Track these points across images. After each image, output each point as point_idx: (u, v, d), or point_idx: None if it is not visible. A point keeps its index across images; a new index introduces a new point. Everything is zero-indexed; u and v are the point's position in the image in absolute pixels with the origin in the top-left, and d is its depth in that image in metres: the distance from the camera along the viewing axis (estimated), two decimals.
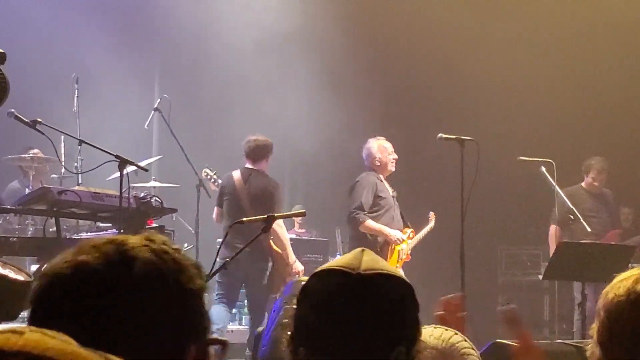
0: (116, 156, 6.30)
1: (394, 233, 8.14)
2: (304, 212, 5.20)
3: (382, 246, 8.14)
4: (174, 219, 9.88)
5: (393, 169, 8.33)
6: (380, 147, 8.32)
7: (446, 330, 2.49)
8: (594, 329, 2.10)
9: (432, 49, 11.51)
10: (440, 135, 7.43)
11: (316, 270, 1.91)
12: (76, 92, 8.93)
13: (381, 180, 8.26)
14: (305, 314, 1.86)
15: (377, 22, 11.94)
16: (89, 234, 7.57)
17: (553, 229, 9.05)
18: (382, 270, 1.87)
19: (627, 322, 2.00)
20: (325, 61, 11.39)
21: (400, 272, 1.97)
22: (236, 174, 8.36)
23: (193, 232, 8.94)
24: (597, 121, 10.99)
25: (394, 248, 8.17)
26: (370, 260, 1.88)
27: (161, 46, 12.13)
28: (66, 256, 1.41)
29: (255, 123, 11.85)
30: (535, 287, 10.88)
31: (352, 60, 11.36)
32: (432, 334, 2.45)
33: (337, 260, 1.92)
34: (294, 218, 10.81)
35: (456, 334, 2.46)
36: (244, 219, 5.05)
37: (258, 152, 8.35)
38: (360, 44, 11.55)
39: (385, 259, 8.11)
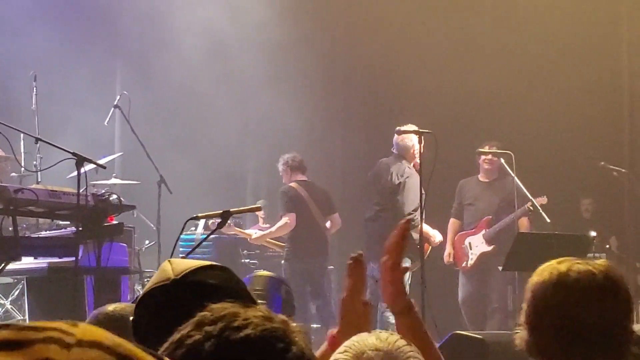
0: (73, 154, 6.27)
1: (436, 235, 8.44)
2: (260, 206, 5.21)
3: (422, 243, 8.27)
4: (135, 215, 9.87)
5: (418, 161, 8.25)
6: (409, 136, 8.08)
7: (392, 334, 2.52)
8: (522, 314, 2.13)
9: (390, 43, 11.55)
10: (398, 128, 7.48)
11: (136, 302, 1.99)
12: (34, 90, 8.89)
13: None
14: (144, 343, 1.87)
15: (333, 19, 11.98)
16: (49, 232, 7.58)
17: (450, 222, 9.28)
18: (192, 266, 1.95)
19: (552, 301, 2.04)
20: (284, 61, 11.43)
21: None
22: (299, 188, 9.01)
23: (154, 228, 8.94)
24: (555, 113, 11.07)
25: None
26: (178, 265, 1.96)
27: (122, 42, 12.09)
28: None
29: (217, 120, 11.92)
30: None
31: (311, 58, 11.40)
32: (378, 337, 2.47)
33: (150, 282, 1.99)
34: (257, 214, 10.85)
35: (401, 338, 2.48)
36: (199, 214, 5.05)
37: (304, 165, 9.28)
38: (318, 41, 11.60)
39: None
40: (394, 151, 8.28)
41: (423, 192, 7.94)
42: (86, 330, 0.98)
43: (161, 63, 11.68)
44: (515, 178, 8.49)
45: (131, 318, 1.97)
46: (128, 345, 1.00)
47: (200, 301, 1.79)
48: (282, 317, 1.50)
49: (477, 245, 9.19)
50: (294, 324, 1.71)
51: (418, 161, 8.04)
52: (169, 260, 1.99)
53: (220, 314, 1.45)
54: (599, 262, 2.15)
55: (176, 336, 1.45)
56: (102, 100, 10.47)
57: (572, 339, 2.05)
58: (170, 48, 11.52)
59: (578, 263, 2.12)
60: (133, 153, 9.39)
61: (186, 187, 10.83)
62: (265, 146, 11.61)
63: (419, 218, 7.93)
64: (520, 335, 2.13)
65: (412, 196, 8.00)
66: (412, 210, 8.01)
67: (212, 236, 9.87)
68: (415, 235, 8.05)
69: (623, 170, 10.32)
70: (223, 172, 11.92)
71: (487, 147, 9.24)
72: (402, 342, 2.34)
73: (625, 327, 2.11)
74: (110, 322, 3.17)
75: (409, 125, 7.79)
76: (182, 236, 9.10)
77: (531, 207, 8.66)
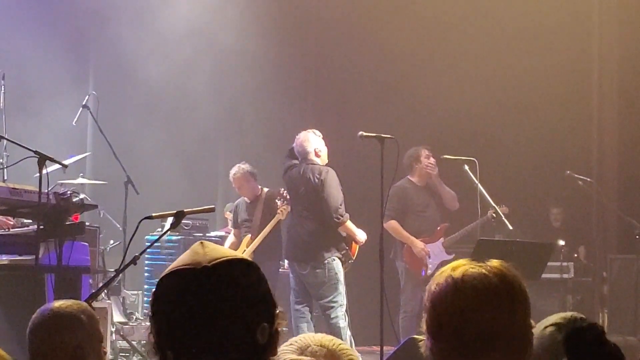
0: (35, 152, 6.26)
1: (360, 234, 8.23)
2: (213, 207, 5.23)
3: (349, 243, 8.26)
4: (101, 215, 9.90)
5: (327, 160, 8.39)
6: (316, 139, 8.33)
7: (335, 339, 2.58)
8: (423, 322, 2.16)
9: (355, 47, 11.60)
10: (360, 133, 7.51)
11: (162, 275, 1.96)
12: (2, 89, 8.89)
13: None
14: (162, 319, 1.91)
15: (301, 20, 12.01)
16: (15, 229, 7.57)
17: (394, 223, 9.09)
18: (225, 257, 1.94)
19: (450, 308, 2.07)
20: (252, 61, 11.47)
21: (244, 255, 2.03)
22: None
23: (120, 229, 8.96)
24: (519, 120, 11.14)
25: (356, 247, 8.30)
26: (211, 251, 1.94)
27: (94, 42, 12.10)
28: None
29: (190, 121, 11.96)
30: None
31: (269, 54, 11.44)
32: (324, 337, 2.52)
33: (179, 260, 1.96)
34: (226, 217, 10.88)
35: (343, 343, 2.54)
36: (153, 214, 5.07)
37: None
38: (278, 37, 11.62)
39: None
40: (300, 157, 8.31)
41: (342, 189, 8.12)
42: None
43: (135, 62, 11.68)
44: (479, 185, 8.52)
45: (153, 290, 1.96)
46: None
47: (226, 296, 1.88)
48: None
49: (437, 253, 9.16)
50: None
51: (326, 160, 8.26)
52: (202, 243, 1.98)
53: None
54: (493, 264, 2.17)
55: None
56: (76, 100, 10.47)
57: (473, 344, 2.07)
58: (145, 48, 11.53)
59: (472, 267, 2.14)
60: (106, 153, 9.40)
61: (160, 186, 10.87)
62: (237, 150, 11.64)
63: (346, 216, 8.07)
64: (425, 343, 2.17)
65: (335, 191, 8.06)
66: (339, 205, 8.06)
67: (179, 237, 10.03)
68: (344, 233, 8.19)
69: (588, 179, 10.40)
70: (195, 173, 11.97)
71: (425, 151, 9.29)
72: (346, 346, 2.40)
73: (525, 326, 2.15)
74: (56, 319, 3.20)
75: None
76: (147, 237, 9.19)
77: (494, 215, 8.70)
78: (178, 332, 1.88)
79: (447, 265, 2.19)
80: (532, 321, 2.20)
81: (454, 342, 2.06)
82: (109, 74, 11.92)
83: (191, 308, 1.87)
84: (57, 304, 3.28)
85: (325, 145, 8.35)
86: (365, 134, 7.47)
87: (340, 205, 8.08)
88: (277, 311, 1.97)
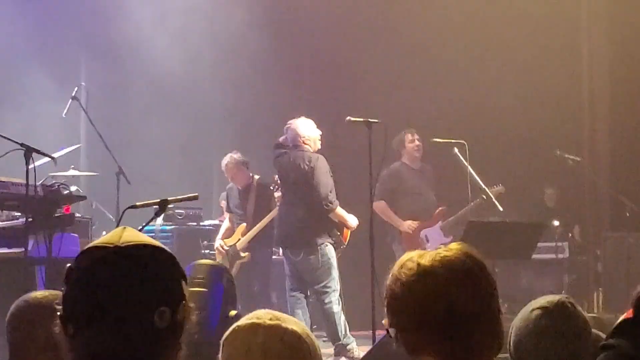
0: (21, 144, 6.27)
1: (351, 219, 8.25)
2: (197, 195, 5.24)
3: (341, 229, 8.28)
4: (93, 206, 9.92)
5: (319, 147, 8.40)
6: (306, 126, 8.36)
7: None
8: (388, 316, 2.14)
9: (341, 30, 11.59)
10: (348, 118, 7.52)
11: (81, 251, 2.00)
12: None
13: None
14: (70, 291, 1.95)
15: (294, 9, 12.00)
16: (6, 223, 7.60)
17: (383, 204, 9.14)
18: (140, 241, 1.97)
19: (433, 294, 2.05)
20: (246, 49, 11.47)
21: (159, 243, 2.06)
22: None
23: (113, 220, 8.98)
24: (509, 100, 11.11)
25: (348, 233, 8.32)
26: (130, 235, 1.98)
27: (87, 32, 12.09)
28: None
29: (180, 111, 11.98)
30: None
31: (260, 43, 11.43)
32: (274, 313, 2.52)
33: (99, 239, 2.00)
34: (221, 205, 10.91)
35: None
36: (138, 203, 5.09)
37: None
38: (269, 26, 11.62)
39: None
40: (291, 142, 8.35)
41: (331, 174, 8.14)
42: None
43: (128, 54, 11.69)
44: (470, 168, 8.54)
45: (68, 265, 1.99)
46: None
47: (129, 275, 1.91)
48: None
49: (436, 238, 9.17)
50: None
51: (319, 147, 8.29)
52: (125, 228, 2.01)
53: None
54: (455, 247, 2.17)
55: None
56: (68, 92, 10.48)
57: (457, 328, 2.07)
58: (137, 39, 11.53)
59: (438, 253, 2.14)
60: (98, 144, 9.41)
61: (155, 177, 10.88)
62: (231, 138, 11.64)
63: (335, 203, 8.10)
64: (394, 337, 2.16)
65: (324, 178, 8.08)
66: (329, 192, 8.09)
67: (172, 226, 10.06)
68: (335, 218, 8.21)
69: (578, 158, 10.40)
70: (189, 163, 11.98)
71: (409, 135, 9.32)
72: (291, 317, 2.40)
73: (494, 308, 2.15)
74: (29, 309, 3.21)
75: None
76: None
77: (484, 197, 8.71)
78: (79, 305, 1.91)
79: (403, 258, 2.18)
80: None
81: (439, 329, 2.06)
82: (102, 64, 11.90)
83: (95, 283, 1.90)
84: (34, 294, 3.28)
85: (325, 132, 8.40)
86: (352, 118, 7.48)
87: (330, 192, 8.10)
88: (184, 303, 1.98)
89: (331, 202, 8.08)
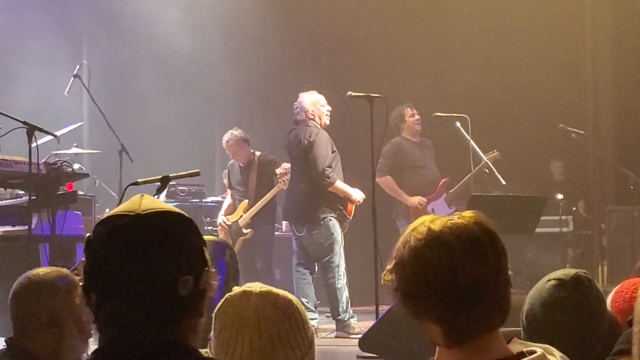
0: (24, 123, 6.27)
1: (355, 194, 8.21)
2: (198, 171, 5.24)
3: (344, 202, 8.26)
4: (96, 184, 9.93)
5: (327, 122, 8.37)
6: (312, 100, 8.35)
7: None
8: (396, 281, 2.11)
9: (343, 5, 11.54)
10: (349, 93, 7.51)
11: (100, 219, 1.98)
12: None
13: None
14: (91, 260, 1.94)
15: None
16: (9, 201, 7.61)
17: (389, 179, 9.11)
18: (160, 208, 1.95)
19: (439, 262, 2.02)
20: (242, 23, 11.44)
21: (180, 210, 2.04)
22: None
23: (116, 197, 8.99)
24: (512, 74, 11.08)
25: (351, 207, 8.27)
26: (149, 202, 1.96)
27: (89, 7, 12.07)
28: None
29: (186, 86, 11.96)
30: None
31: (264, 19, 11.40)
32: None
33: (117, 208, 1.99)
34: (224, 182, 10.92)
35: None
36: (139, 180, 5.08)
37: None
38: (273, 3, 11.59)
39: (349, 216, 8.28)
40: (298, 117, 8.36)
41: (335, 149, 8.11)
42: None
43: (130, 30, 11.67)
44: (472, 141, 8.53)
45: (87, 235, 1.97)
46: None
47: (152, 243, 1.89)
48: None
49: (441, 210, 9.12)
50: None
51: (327, 123, 8.27)
52: (143, 195, 1.98)
53: None
54: (468, 214, 2.14)
55: None
56: (70, 69, 10.47)
57: (463, 297, 2.05)
58: (140, 15, 11.50)
59: (449, 219, 2.11)
60: (101, 122, 9.41)
61: (157, 155, 10.89)
62: (234, 115, 11.64)
63: (334, 175, 8.07)
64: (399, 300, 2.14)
65: (321, 152, 8.08)
66: (327, 167, 8.08)
67: (175, 203, 10.07)
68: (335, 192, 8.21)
69: (582, 132, 10.37)
70: (192, 140, 11.98)
71: (408, 110, 9.29)
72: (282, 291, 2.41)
73: (507, 274, 2.13)
74: (32, 286, 3.22)
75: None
76: None
77: (487, 170, 8.70)
78: (102, 275, 1.90)
79: (417, 221, 2.16)
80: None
81: (443, 296, 2.04)
82: (104, 41, 11.88)
83: (117, 252, 1.89)
84: (36, 271, 3.29)
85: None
86: (354, 94, 7.47)
87: (328, 167, 8.08)
88: (207, 270, 1.97)
89: (328, 177, 8.06)
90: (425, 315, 2.08)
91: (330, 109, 8.34)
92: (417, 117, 9.26)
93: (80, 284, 1.95)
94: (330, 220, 8.15)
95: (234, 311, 2.24)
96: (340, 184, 8.14)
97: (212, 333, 2.28)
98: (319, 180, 8.09)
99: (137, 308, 1.89)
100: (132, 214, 1.92)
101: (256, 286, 2.29)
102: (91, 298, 1.92)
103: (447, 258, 2.04)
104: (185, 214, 2.01)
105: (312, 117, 8.26)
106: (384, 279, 2.17)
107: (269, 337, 2.22)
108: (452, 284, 2.02)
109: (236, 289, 2.29)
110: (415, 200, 9.11)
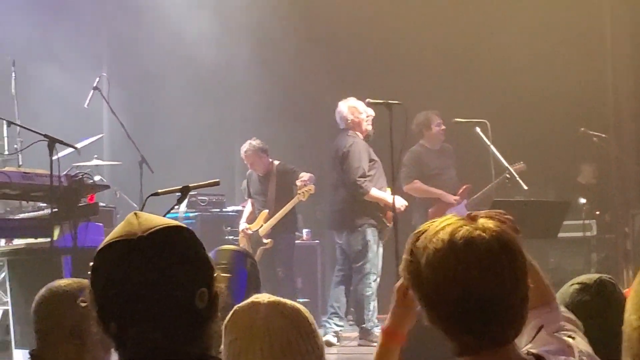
0: (45, 135, 6.31)
1: (396, 201, 8.14)
2: (218, 181, 5.25)
3: (383, 211, 8.27)
4: (117, 196, 9.96)
5: (369, 128, 8.35)
6: (351, 108, 8.37)
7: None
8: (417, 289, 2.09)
9: (359, 9, 11.55)
10: (368, 100, 7.50)
11: (99, 248, 1.96)
12: (13, 75, 8.93)
13: (366, 141, 8.34)
14: (102, 292, 1.93)
15: None
16: (31, 213, 7.65)
17: (418, 183, 9.06)
18: (159, 225, 1.94)
19: (453, 275, 1.99)
20: (261, 33, 11.48)
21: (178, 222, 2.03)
22: None
23: (138, 208, 8.98)
24: (532, 78, 11.02)
25: (390, 214, 8.21)
26: (145, 221, 1.95)
27: (109, 23, 12.13)
28: None
29: (201, 97, 11.99)
30: None
31: (286, 29, 11.43)
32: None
33: (114, 232, 1.97)
34: (242, 190, 10.93)
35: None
36: (159, 190, 5.09)
37: None
38: (295, 14, 11.61)
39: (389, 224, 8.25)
40: (340, 126, 8.44)
41: (376, 158, 8.11)
42: None
43: (151, 41, 11.71)
44: (492, 147, 8.50)
45: (91, 264, 1.97)
46: None
47: (162, 263, 1.90)
48: None
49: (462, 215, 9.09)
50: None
51: (368, 129, 8.29)
52: (136, 213, 1.97)
53: None
54: (488, 226, 2.08)
55: None
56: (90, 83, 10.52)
57: (474, 314, 2.01)
58: (157, 29, 11.55)
59: (468, 229, 2.05)
60: (121, 134, 9.44)
61: (176, 165, 10.91)
62: (253, 123, 11.65)
63: (368, 184, 8.08)
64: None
65: (354, 163, 8.07)
66: (359, 177, 8.06)
67: (195, 213, 10.09)
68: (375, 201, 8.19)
69: (603, 135, 10.31)
70: (212, 149, 12.01)
71: (436, 118, 9.23)
72: (290, 301, 2.41)
73: (525, 289, 2.09)
74: (53, 297, 3.22)
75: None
76: (168, 216, 9.24)
77: (508, 176, 8.66)
78: (119, 303, 1.90)
79: (438, 222, 2.12)
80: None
81: (454, 311, 2.02)
82: (123, 53, 11.93)
83: (129, 278, 1.89)
84: (58, 282, 3.29)
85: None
86: (372, 100, 7.47)
87: (361, 177, 8.11)
88: (215, 274, 1.98)
89: (361, 187, 8.09)
90: (434, 324, 2.07)
91: (371, 114, 8.32)
92: (442, 127, 9.23)
93: (93, 313, 1.95)
94: (368, 227, 8.18)
95: (244, 322, 2.24)
96: (375, 192, 8.14)
97: (222, 345, 2.28)
98: (352, 190, 8.13)
99: (161, 329, 1.89)
100: (135, 237, 1.91)
101: (264, 297, 2.29)
102: (111, 327, 1.92)
103: (462, 272, 2.00)
104: (183, 224, 2.01)
105: (352, 125, 8.30)
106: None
107: (279, 347, 2.23)
108: (463, 298, 1.99)
109: (245, 302, 2.29)
110: (452, 197, 9.05)
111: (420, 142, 9.32)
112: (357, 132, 8.34)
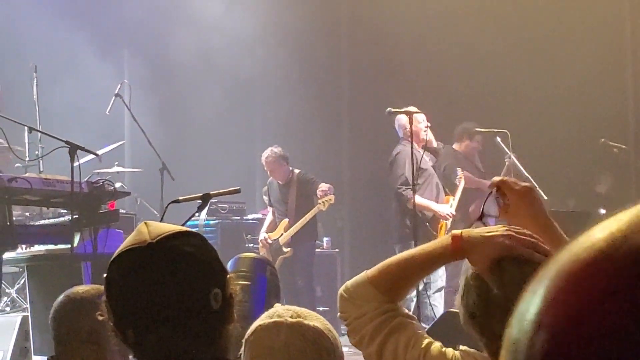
0: (66, 142, 6.33)
1: (441, 208, 8.14)
2: (239, 189, 5.24)
3: (430, 221, 8.20)
4: (138, 203, 9.99)
5: (426, 137, 8.25)
6: (409, 117, 8.30)
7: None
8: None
9: (382, 22, 11.55)
10: (388, 109, 7.49)
11: (111, 259, 1.99)
12: (35, 81, 8.97)
13: (419, 151, 8.27)
14: (117, 301, 1.96)
15: (335, 4, 12.01)
16: (52, 220, 7.68)
17: (467, 173, 8.90)
18: (168, 231, 1.97)
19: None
20: (288, 44, 11.50)
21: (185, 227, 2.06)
22: None
23: (158, 215, 9.02)
24: (552, 88, 10.99)
25: (442, 223, 8.18)
26: (155, 229, 1.98)
27: (129, 29, 12.18)
28: None
29: (220, 107, 12.03)
30: None
31: (306, 35, 11.45)
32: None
33: (126, 242, 2.00)
34: (264, 199, 10.94)
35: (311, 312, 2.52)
36: (180, 197, 5.10)
37: None
38: (316, 22, 11.63)
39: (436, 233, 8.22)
40: (398, 135, 8.44)
41: (427, 167, 8.10)
42: None
43: (171, 49, 11.76)
44: (512, 156, 8.48)
45: (104, 275, 2.00)
46: None
47: (174, 267, 1.92)
48: None
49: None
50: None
51: (425, 138, 8.19)
52: (146, 223, 2.01)
53: None
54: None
55: None
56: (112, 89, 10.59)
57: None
58: (179, 34, 11.59)
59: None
60: (142, 141, 9.48)
61: (197, 172, 10.94)
62: (274, 130, 11.67)
63: (408, 192, 8.01)
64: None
65: (398, 171, 8.05)
66: (400, 185, 8.04)
67: (216, 221, 10.10)
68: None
69: (624, 146, 10.26)
70: (233, 157, 12.03)
71: (479, 137, 9.23)
72: (311, 312, 2.42)
73: None
74: (71, 304, 3.24)
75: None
76: (188, 223, 9.25)
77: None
78: (134, 311, 1.92)
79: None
80: None
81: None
82: (144, 59, 11.98)
83: (143, 285, 1.91)
84: (76, 289, 3.32)
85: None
86: (393, 109, 7.46)
87: (402, 184, 8.04)
88: (228, 276, 2.00)
89: (402, 195, 8.02)
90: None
91: (428, 124, 8.20)
92: (480, 148, 9.27)
93: (109, 322, 1.97)
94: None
95: (264, 342, 2.25)
96: (420, 201, 7.98)
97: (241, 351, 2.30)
98: (396, 198, 8.14)
99: (180, 333, 1.92)
100: (145, 244, 1.93)
101: (287, 314, 2.29)
102: (129, 335, 1.94)
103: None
104: (192, 230, 2.05)
105: (409, 134, 8.23)
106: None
107: None
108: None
109: (268, 317, 2.29)
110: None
111: (453, 146, 9.34)
112: (413, 142, 8.24)
